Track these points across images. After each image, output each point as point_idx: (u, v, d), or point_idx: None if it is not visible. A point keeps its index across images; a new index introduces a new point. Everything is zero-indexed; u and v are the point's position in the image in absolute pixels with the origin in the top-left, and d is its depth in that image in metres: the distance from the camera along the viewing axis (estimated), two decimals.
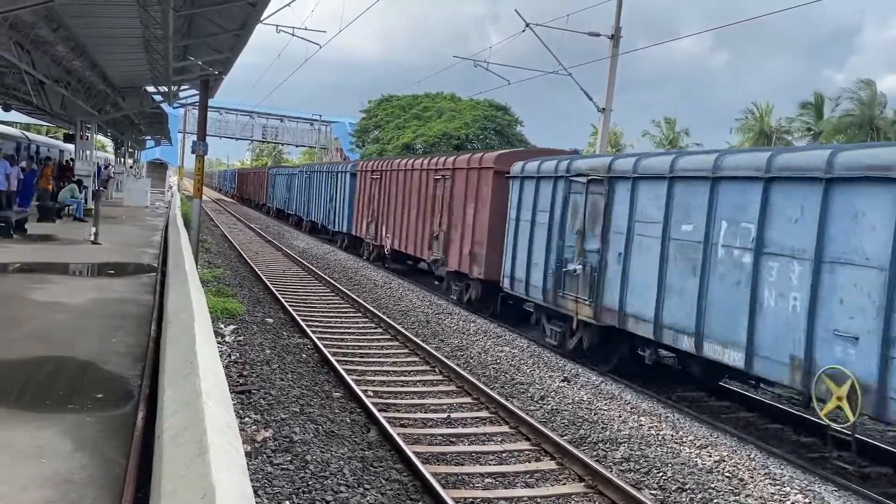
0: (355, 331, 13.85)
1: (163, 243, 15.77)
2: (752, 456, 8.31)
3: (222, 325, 12.56)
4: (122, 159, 43.76)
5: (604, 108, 21.22)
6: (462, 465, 7.62)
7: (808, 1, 14.59)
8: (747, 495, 7.25)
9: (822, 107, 40.42)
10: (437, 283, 19.65)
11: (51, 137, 41.92)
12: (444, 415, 9.20)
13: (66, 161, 28.66)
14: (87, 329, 7.60)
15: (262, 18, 13.82)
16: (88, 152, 25.33)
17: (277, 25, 22.09)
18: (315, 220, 34.35)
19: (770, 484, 7.54)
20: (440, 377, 10.97)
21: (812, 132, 40.50)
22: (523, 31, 21.00)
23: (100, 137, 39.88)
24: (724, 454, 8.29)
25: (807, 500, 7.19)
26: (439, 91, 51.79)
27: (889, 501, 7.40)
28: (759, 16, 24.99)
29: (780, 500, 7.19)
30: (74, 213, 20.49)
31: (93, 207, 17.45)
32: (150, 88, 24.51)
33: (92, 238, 15.09)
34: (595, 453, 8.16)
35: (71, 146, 28.09)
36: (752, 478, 7.68)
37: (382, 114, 52.81)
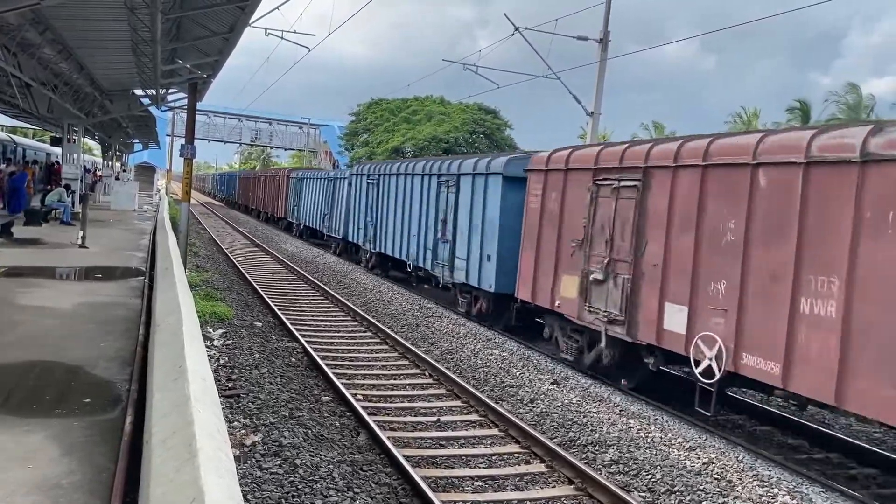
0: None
1: (151, 247, 15.71)
2: (740, 458, 8.36)
3: (211, 329, 12.52)
4: (110, 162, 43.54)
5: (592, 112, 21.31)
6: (452, 468, 7.62)
7: (795, 7, 14.70)
8: (736, 497, 7.29)
9: (810, 111, 40.78)
10: None
11: (37, 140, 41.68)
12: (434, 418, 9.20)
13: (54, 163, 28.54)
14: (75, 333, 7.56)
15: (251, 22, 13.82)
16: (76, 155, 25.21)
17: (266, 29, 22.11)
18: (428, 267, 18.18)
19: (758, 485, 7.58)
20: (430, 380, 10.97)
21: None
22: (512, 34, 21.08)
23: (87, 141, 39.68)
24: (713, 456, 8.33)
25: (794, 502, 7.24)
26: (428, 94, 51.86)
27: (875, 502, 7.46)
28: (747, 21, 25.17)
29: (769, 502, 7.24)
30: (61, 217, 20.38)
31: (80, 211, 17.36)
32: (138, 91, 24.45)
33: (79, 242, 15.02)
34: (584, 456, 8.18)
35: (58, 149, 27.94)
36: (740, 479, 7.72)
37: (372, 117, 52.80)
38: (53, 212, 20.59)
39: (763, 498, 7.32)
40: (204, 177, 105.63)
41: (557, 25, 20.67)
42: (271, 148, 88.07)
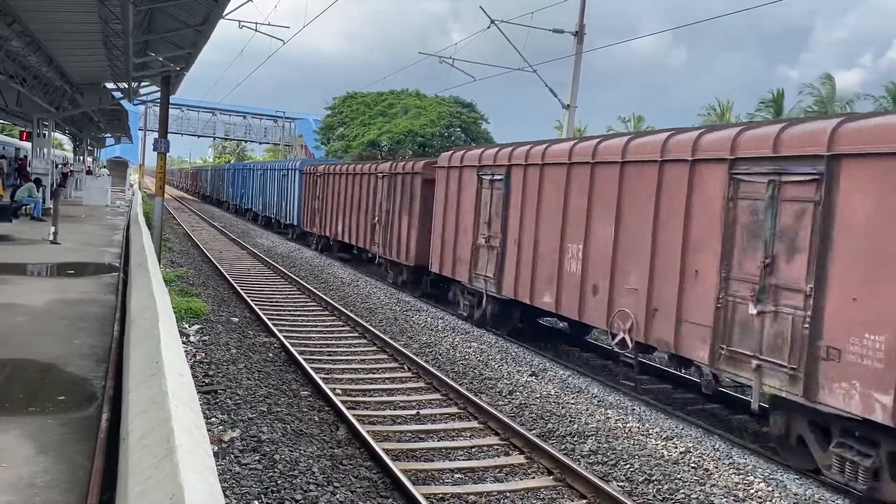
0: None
1: (124, 242, 15.52)
2: (716, 446, 8.46)
3: (186, 325, 12.40)
4: (81, 157, 42.87)
5: (568, 105, 21.37)
6: (432, 461, 7.63)
7: (760, 4, 14.88)
8: (712, 485, 7.38)
9: (782, 102, 41.22)
10: None
11: (6, 135, 40.93)
12: (414, 411, 9.20)
13: (24, 156, 28.05)
14: (47, 331, 7.44)
15: (224, 14, 13.64)
16: (46, 150, 24.79)
17: (240, 21, 21.83)
18: None
19: (734, 473, 7.68)
20: (409, 374, 10.96)
21: None
22: (488, 27, 21.07)
23: (57, 135, 38.98)
24: (690, 445, 8.42)
25: (770, 489, 7.34)
26: (404, 88, 51.67)
27: (845, 485, 7.59)
28: (714, 17, 25.46)
29: (745, 489, 7.33)
30: (32, 213, 20.05)
31: (51, 207, 17.09)
32: (110, 85, 24.03)
33: (51, 238, 14.79)
34: (563, 447, 8.23)
35: (28, 144, 27.47)
36: (716, 468, 7.81)
37: (347, 111, 52.51)
38: (24, 207, 20.25)
39: (739, 485, 7.41)
40: (194, 172, 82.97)
41: (533, 18, 20.70)
42: (246, 142, 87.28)
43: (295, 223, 30.82)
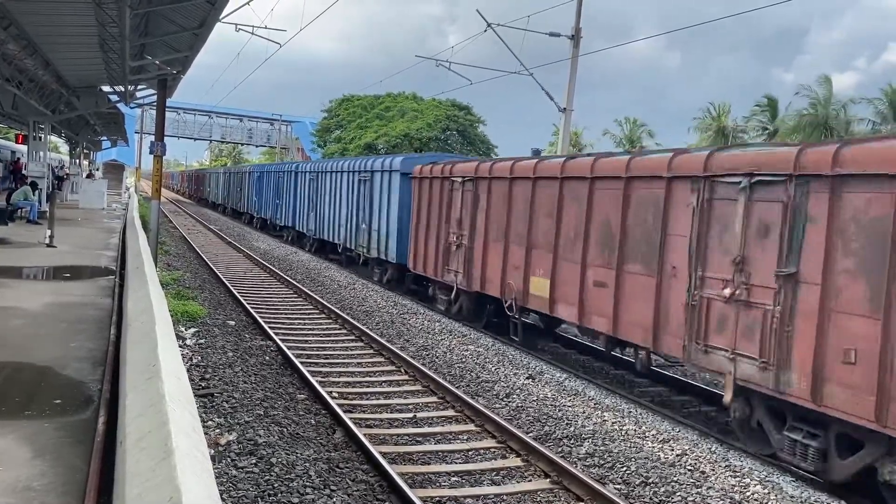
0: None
1: (121, 246, 15.50)
2: (712, 449, 8.47)
3: (183, 328, 12.38)
4: (78, 160, 42.85)
5: (565, 108, 21.42)
6: (428, 464, 7.63)
7: (755, 7, 14.98)
8: (709, 487, 7.39)
9: (777, 106, 41.35)
10: None
11: (2, 139, 40.88)
12: (410, 414, 9.20)
13: (17, 159, 28.00)
14: (43, 334, 7.44)
15: (221, 17, 13.66)
16: (42, 153, 24.77)
17: (237, 24, 21.78)
18: None
19: (731, 476, 7.70)
20: (406, 377, 10.96)
21: (768, 131, 41.38)
22: (485, 31, 21.13)
23: (53, 138, 38.93)
24: (686, 448, 8.43)
25: (765, 491, 7.36)
26: (401, 91, 51.73)
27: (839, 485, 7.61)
28: (709, 20, 25.51)
29: (741, 492, 7.35)
30: (28, 216, 20.02)
31: (47, 210, 17.08)
32: (106, 88, 24.04)
33: (47, 241, 14.77)
34: (560, 449, 8.23)
35: (24, 147, 27.43)
36: (713, 470, 7.83)
37: (344, 113, 52.55)
38: (20, 211, 20.22)
39: (735, 488, 7.43)
40: (197, 175, 71.56)
41: (529, 22, 20.77)
42: (242, 145, 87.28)
43: (391, 259, 19.17)
